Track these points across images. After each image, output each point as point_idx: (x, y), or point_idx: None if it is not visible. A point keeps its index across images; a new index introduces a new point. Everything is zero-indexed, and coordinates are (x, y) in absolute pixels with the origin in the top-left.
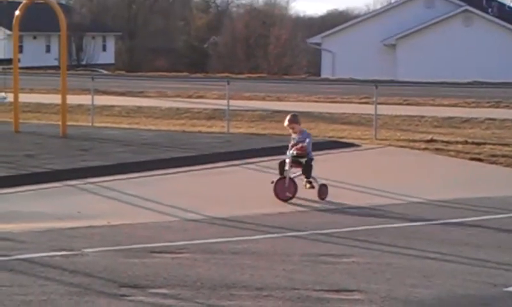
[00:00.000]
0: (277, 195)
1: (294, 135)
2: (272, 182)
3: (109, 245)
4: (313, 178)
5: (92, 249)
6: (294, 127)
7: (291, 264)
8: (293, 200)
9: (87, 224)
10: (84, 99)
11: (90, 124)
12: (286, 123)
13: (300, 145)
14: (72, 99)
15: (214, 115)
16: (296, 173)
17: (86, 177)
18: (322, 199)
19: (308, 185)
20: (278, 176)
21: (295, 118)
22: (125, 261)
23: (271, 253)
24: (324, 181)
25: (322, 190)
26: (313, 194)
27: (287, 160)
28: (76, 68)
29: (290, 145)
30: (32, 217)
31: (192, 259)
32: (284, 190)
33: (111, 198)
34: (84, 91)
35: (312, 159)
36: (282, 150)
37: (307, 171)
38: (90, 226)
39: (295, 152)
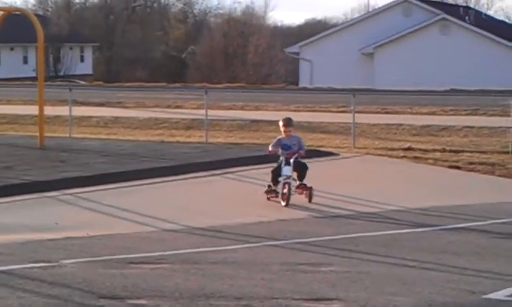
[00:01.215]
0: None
1: (284, 139)
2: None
3: (87, 256)
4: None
5: (70, 260)
6: (290, 130)
7: (270, 273)
8: (272, 209)
9: (65, 236)
10: (62, 110)
11: (68, 135)
12: (283, 125)
13: (301, 151)
14: (50, 110)
15: (193, 125)
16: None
17: (64, 188)
18: (310, 201)
19: (299, 191)
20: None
21: (291, 122)
22: (104, 272)
23: (250, 263)
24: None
25: (311, 193)
26: (295, 199)
27: (288, 173)
28: (54, 79)
29: (281, 152)
30: (10, 229)
31: (170, 270)
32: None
33: (89, 209)
34: (62, 102)
35: None
36: (261, 159)
37: (304, 173)
38: (68, 238)
39: (294, 158)
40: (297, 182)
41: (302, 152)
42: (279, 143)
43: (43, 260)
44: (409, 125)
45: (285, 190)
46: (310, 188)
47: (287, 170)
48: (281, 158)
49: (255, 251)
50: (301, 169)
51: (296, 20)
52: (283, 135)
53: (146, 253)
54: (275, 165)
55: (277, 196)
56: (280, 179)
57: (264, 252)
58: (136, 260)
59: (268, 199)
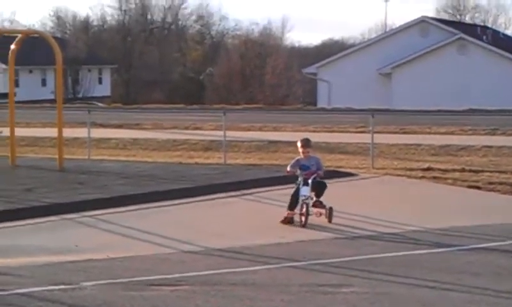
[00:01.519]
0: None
1: (302, 159)
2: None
3: (107, 278)
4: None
5: (90, 282)
6: (308, 151)
7: (290, 295)
8: (291, 231)
9: (85, 258)
10: (81, 132)
11: (87, 157)
12: (301, 146)
13: (319, 172)
14: (69, 132)
15: (211, 146)
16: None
17: (83, 210)
18: (330, 221)
19: (316, 213)
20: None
21: (309, 142)
22: (124, 294)
23: (269, 284)
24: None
25: (331, 213)
26: (314, 220)
27: (306, 193)
28: (72, 102)
29: (299, 173)
30: (31, 251)
31: (190, 292)
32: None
33: (108, 231)
34: (81, 124)
35: None
36: (279, 181)
37: (322, 191)
38: (88, 260)
39: (313, 179)
40: (314, 198)
41: (321, 173)
42: (297, 164)
43: (63, 282)
44: (428, 145)
45: (304, 210)
46: (330, 209)
47: (305, 190)
48: (299, 179)
49: (275, 273)
50: (319, 188)
51: (313, 41)
52: (301, 155)
53: (166, 275)
54: (294, 186)
55: (291, 222)
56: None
57: (283, 274)
58: (156, 282)
59: (282, 221)
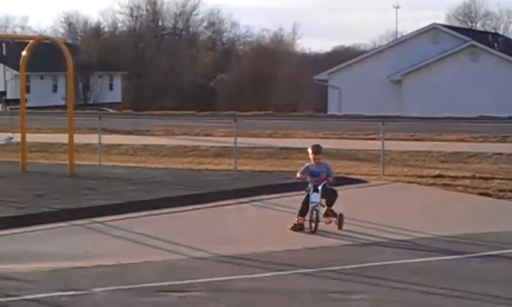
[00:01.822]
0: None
1: (312, 166)
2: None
3: (117, 284)
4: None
5: (100, 288)
6: (319, 157)
7: (300, 302)
8: (302, 237)
9: (95, 264)
10: (91, 138)
11: (97, 163)
12: (312, 152)
13: (330, 179)
14: (79, 138)
15: (221, 153)
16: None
17: (93, 216)
18: (340, 228)
19: (326, 220)
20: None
21: (320, 149)
22: (134, 300)
23: (279, 291)
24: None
25: (341, 220)
26: (324, 227)
27: (316, 199)
28: (83, 108)
29: (309, 179)
30: (41, 257)
31: (200, 298)
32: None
33: (119, 237)
34: (91, 130)
35: None
36: (289, 187)
37: (334, 200)
38: (98, 266)
39: (323, 185)
40: (325, 207)
41: (331, 179)
42: (307, 170)
43: (73, 288)
44: (439, 151)
45: (313, 217)
46: (341, 215)
47: (315, 197)
48: (309, 185)
49: (285, 279)
50: (330, 196)
51: (324, 47)
52: (312, 162)
53: (176, 281)
54: (304, 193)
55: (301, 229)
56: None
57: (293, 280)
58: (165, 288)
59: (291, 228)
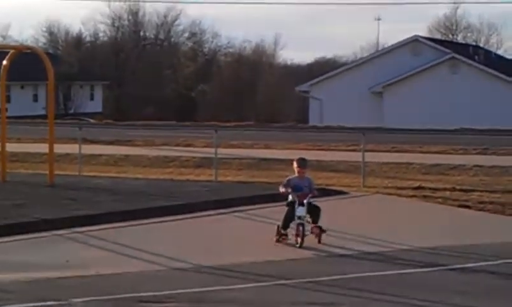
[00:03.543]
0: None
1: (294, 179)
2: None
3: (97, 294)
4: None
5: (80, 299)
6: (304, 171)
7: None
8: (282, 249)
9: (75, 274)
10: (72, 148)
11: (78, 173)
12: (298, 165)
13: (315, 192)
14: (60, 148)
15: (202, 163)
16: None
17: (73, 226)
18: (319, 242)
19: (315, 231)
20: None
21: (306, 162)
22: None
23: (259, 302)
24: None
25: (321, 234)
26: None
27: (302, 213)
28: (64, 117)
29: (292, 196)
30: (20, 267)
31: None
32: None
33: (99, 247)
34: (72, 140)
35: None
36: (270, 198)
37: (318, 216)
38: (79, 276)
39: (310, 200)
40: (311, 225)
41: (316, 192)
42: (289, 184)
43: (53, 299)
44: (419, 163)
45: (300, 231)
46: (321, 229)
47: (301, 211)
48: (290, 198)
49: (265, 290)
50: (315, 213)
51: (305, 59)
52: (295, 174)
53: (155, 292)
54: (285, 204)
55: (286, 239)
56: (294, 221)
57: (273, 292)
58: (145, 299)
59: (277, 241)
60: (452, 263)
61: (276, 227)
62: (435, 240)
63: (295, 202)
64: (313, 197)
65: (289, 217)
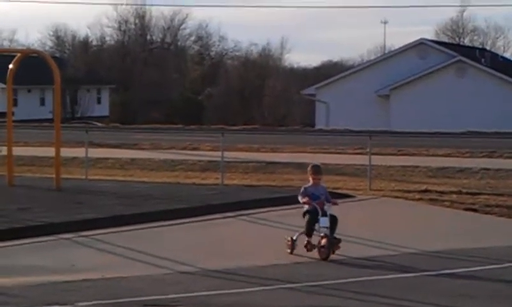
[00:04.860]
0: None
1: (311, 187)
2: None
3: (103, 298)
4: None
5: (86, 302)
6: (320, 178)
7: None
8: (288, 252)
9: (81, 278)
10: (79, 152)
11: (84, 177)
12: (314, 172)
13: (335, 202)
14: (66, 152)
15: (209, 167)
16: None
17: (80, 230)
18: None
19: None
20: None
21: (321, 170)
22: None
23: (266, 306)
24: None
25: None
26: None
27: (327, 224)
28: (71, 121)
29: (310, 205)
30: (26, 271)
31: None
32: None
33: (105, 251)
34: (79, 143)
35: None
36: (277, 202)
37: (335, 227)
38: (84, 280)
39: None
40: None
41: (337, 202)
42: (306, 192)
43: (58, 303)
44: (426, 166)
45: (323, 242)
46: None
47: (325, 221)
48: (306, 207)
49: (271, 294)
50: (333, 223)
51: (312, 62)
52: (310, 182)
53: (161, 296)
54: (291, 207)
55: (311, 247)
56: (317, 230)
57: (279, 295)
58: (151, 302)
59: (291, 253)
60: (459, 267)
61: (287, 240)
62: (442, 244)
63: (314, 212)
64: (333, 205)
65: (312, 225)
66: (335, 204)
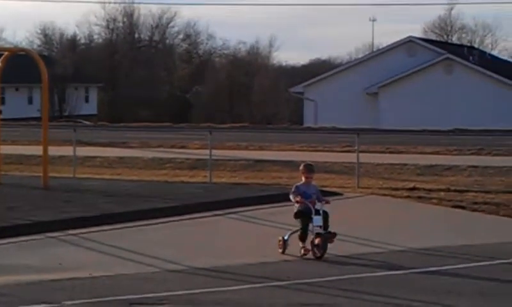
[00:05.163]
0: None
1: (302, 186)
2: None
3: (90, 297)
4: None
5: (73, 301)
6: (312, 177)
7: None
8: (276, 250)
9: (68, 276)
10: (67, 150)
11: (72, 175)
12: (306, 171)
13: (327, 200)
14: (54, 150)
15: (197, 165)
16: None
17: (67, 229)
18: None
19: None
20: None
21: (313, 168)
22: None
23: (253, 304)
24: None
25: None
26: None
27: (320, 223)
28: (58, 119)
29: (305, 202)
30: (13, 270)
31: None
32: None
33: (92, 249)
34: (67, 142)
35: None
36: (265, 200)
37: (328, 222)
38: (71, 278)
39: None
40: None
41: (329, 200)
42: (298, 191)
43: (46, 301)
44: (414, 164)
45: (317, 241)
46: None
47: (318, 220)
48: (297, 207)
49: (259, 292)
50: (325, 219)
51: (300, 60)
52: (302, 181)
53: (149, 294)
54: (281, 205)
55: (308, 251)
56: (310, 230)
57: (267, 293)
58: (139, 301)
59: (283, 253)
60: (447, 264)
61: (279, 240)
62: (430, 241)
63: (306, 212)
64: (326, 203)
65: (307, 229)
66: (328, 202)
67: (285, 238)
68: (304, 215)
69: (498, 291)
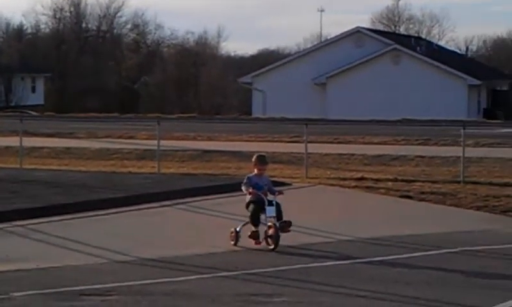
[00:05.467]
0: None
1: (254, 177)
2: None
3: (37, 288)
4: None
5: (20, 292)
6: (265, 169)
7: (222, 304)
8: (225, 240)
9: (15, 268)
10: (13, 141)
11: (19, 166)
12: (260, 163)
13: (281, 191)
14: (0, 141)
15: (145, 155)
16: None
17: (14, 220)
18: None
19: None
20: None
21: (266, 160)
22: (54, 305)
23: (201, 294)
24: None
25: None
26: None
27: (273, 213)
28: (5, 110)
29: (257, 192)
30: None
31: (122, 302)
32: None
33: (39, 241)
34: (13, 132)
35: None
36: (213, 190)
37: (281, 212)
38: (18, 270)
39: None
40: (277, 223)
41: (283, 192)
42: (250, 183)
43: None
44: (361, 154)
45: (271, 231)
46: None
47: (271, 211)
48: (248, 198)
49: (207, 282)
50: (278, 210)
51: (249, 50)
52: (254, 172)
53: (97, 285)
54: (228, 196)
55: (259, 241)
56: (263, 221)
57: (215, 283)
58: (87, 292)
59: (235, 244)
60: (394, 253)
61: (231, 232)
62: (377, 231)
63: (260, 201)
64: (279, 194)
65: (257, 214)
66: (281, 193)
67: (237, 229)
68: (256, 205)
69: (444, 280)
